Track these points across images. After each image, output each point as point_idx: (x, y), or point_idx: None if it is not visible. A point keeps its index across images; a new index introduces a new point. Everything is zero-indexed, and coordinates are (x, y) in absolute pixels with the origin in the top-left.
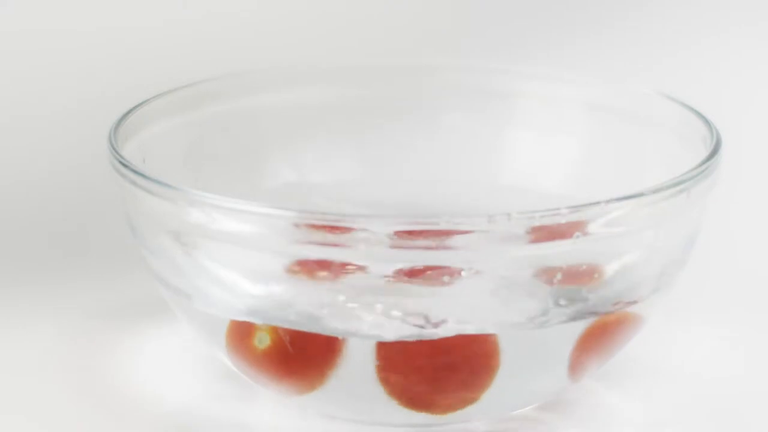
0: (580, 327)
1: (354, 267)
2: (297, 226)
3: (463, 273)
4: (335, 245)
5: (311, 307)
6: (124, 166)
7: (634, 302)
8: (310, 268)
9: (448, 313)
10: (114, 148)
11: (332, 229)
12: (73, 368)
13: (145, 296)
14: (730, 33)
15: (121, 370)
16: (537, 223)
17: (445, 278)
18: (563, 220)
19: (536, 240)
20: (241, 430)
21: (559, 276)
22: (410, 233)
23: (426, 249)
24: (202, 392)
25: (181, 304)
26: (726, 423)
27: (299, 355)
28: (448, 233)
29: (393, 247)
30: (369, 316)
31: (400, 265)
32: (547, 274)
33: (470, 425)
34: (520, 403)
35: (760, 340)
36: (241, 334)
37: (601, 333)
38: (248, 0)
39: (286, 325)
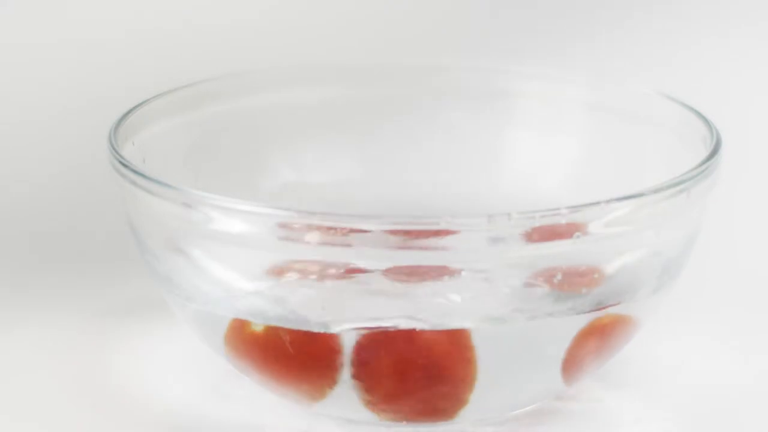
0: (575, 328)
1: (353, 267)
2: (295, 226)
3: (463, 273)
4: (333, 245)
5: (310, 306)
6: (124, 166)
7: (634, 302)
8: (308, 267)
9: (447, 313)
10: (114, 148)
11: (330, 229)
12: (73, 369)
13: (145, 296)
14: (730, 33)
15: (121, 370)
16: (537, 223)
17: (445, 278)
18: (563, 220)
19: (536, 240)
20: (244, 431)
21: (559, 276)
22: (409, 233)
23: (425, 249)
24: (203, 392)
25: (181, 303)
26: (726, 423)
27: (302, 356)
28: (447, 233)
29: (392, 247)
30: (368, 316)
31: (399, 266)
32: (547, 274)
33: (468, 425)
34: (513, 404)
35: (760, 340)
36: (239, 326)
37: (597, 336)
38: (248, 0)
39: (286, 324)
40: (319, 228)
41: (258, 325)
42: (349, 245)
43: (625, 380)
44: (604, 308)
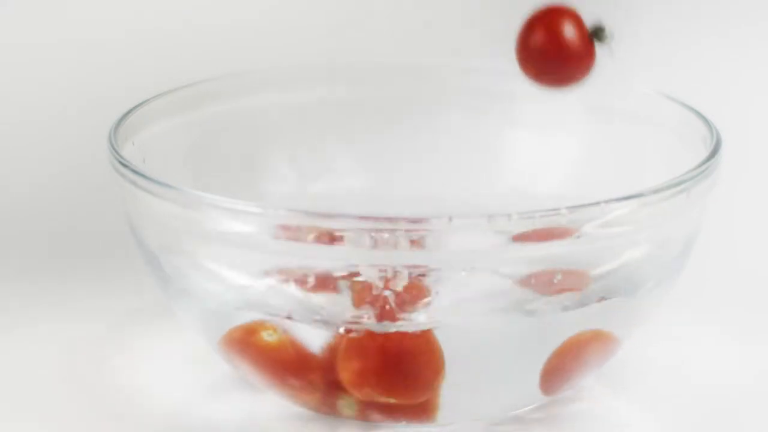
0: (569, 330)
1: (351, 267)
2: (293, 227)
3: (463, 273)
4: (330, 245)
5: (310, 305)
6: (124, 166)
7: (632, 300)
8: (306, 268)
9: (444, 312)
10: (114, 148)
11: (327, 229)
12: (73, 369)
13: (145, 296)
14: (730, 33)
15: (121, 370)
16: (537, 223)
17: (442, 279)
18: (563, 220)
19: (536, 240)
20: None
21: (559, 276)
22: (408, 234)
23: (424, 249)
24: (204, 393)
25: (181, 303)
26: (726, 423)
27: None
28: (447, 233)
29: (391, 247)
30: (367, 315)
31: (395, 265)
32: (547, 274)
33: (465, 425)
34: (492, 408)
35: (760, 340)
36: (246, 332)
37: (578, 349)
38: (248, 0)
39: (287, 323)
40: (316, 229)
41: (271, 335)
42: (346, 245)
43: (624, 380)
44: (603, 300)
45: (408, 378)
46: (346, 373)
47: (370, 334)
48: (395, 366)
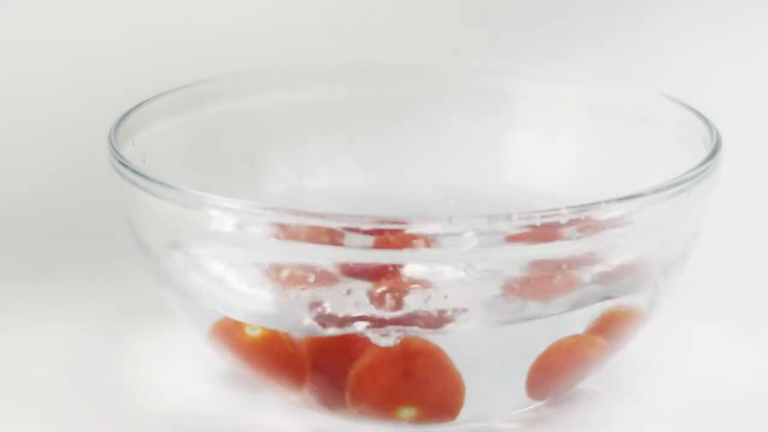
0: (565, 330)
1: (349, 267)
2: (290, 226)
3: (462, 273)
4: (326, 245)
5: (308, 306)
6: (124, 166)
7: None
8: (304, 267)
9: (444, 312)
10: (114, 148)
11: (323, 229)
12: (73, 368)
13: (145, 296)
14: (730, 33)
15: (121, 370)
16: (537, 223)
17: (440, 279)
18: (563, 220)
19: (536, 240)
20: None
21: (558, 277)
22: (408, 234)
23: (423, 249)
24: (204, 392)
25: (181, 303)
26: (726, 423)
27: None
28: (447, 233)
29: (392, 247)
30: (365, 315)
31: (398, 265)
32: (546, 274)
33: (464, 425)
34: (490, 409)
35: (760, 340)
36: (231, 326)
37: (566, 354)
38: (248, 0)
39: (279, 326)
40: (315, 228)
41: (254, 329)
42: (344, 245)
43: (624, 379)
44: (608, 299)
45: (438, 392)
46: (376, 401)
47: (381, 357)
48: (428, 389)
